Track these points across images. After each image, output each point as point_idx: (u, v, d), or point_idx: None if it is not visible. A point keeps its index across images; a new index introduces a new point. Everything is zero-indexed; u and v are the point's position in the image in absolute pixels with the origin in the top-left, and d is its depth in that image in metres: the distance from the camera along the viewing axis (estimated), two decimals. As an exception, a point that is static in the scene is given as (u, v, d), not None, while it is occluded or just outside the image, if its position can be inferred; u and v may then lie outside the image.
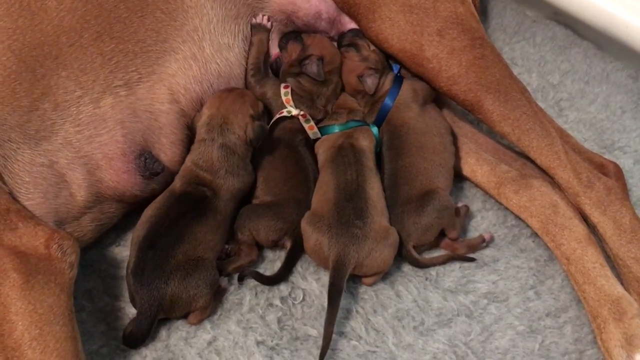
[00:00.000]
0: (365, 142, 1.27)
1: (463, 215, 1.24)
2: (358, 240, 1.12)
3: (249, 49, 1.31)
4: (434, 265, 1.20)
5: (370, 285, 1.17)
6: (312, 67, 1.29)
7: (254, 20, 1.31)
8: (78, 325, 0.99)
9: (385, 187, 1.23)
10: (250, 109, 1.23)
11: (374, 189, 1.20)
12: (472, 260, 1.21)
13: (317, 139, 1.30)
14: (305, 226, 1.16)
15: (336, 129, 1.29)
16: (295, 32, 1.36)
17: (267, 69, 1.35)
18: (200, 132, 1.22)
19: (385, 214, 1.19)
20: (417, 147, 1.24)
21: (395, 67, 1.35)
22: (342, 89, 1.35)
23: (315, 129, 1.29)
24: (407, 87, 1.30)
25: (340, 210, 1.15)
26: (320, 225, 1.14)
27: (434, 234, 1.19)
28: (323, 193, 1.20)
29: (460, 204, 1.26)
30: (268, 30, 1.32)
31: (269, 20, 1.32)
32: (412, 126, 1.26)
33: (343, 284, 1.10)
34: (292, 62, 1.32)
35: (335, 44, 1.37)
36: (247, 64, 1.31)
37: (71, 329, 0.95)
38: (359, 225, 1.13)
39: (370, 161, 1.25)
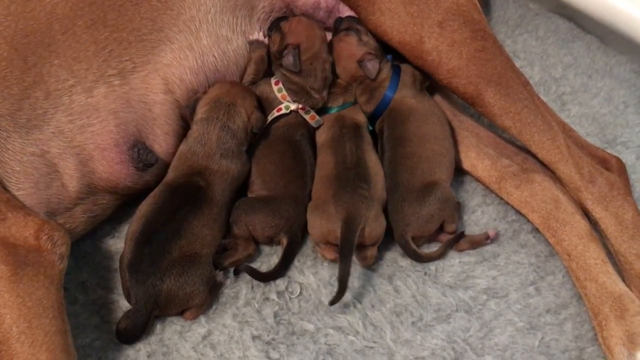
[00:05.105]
0: (361, 117, 1.28)
1: (458, 211, 1.22)
2: (366, 200, 1.12)
3: (248, 65, 1.29)
4: (432, 259, 1.18)
5: (370, 263, 1.15)
6: (288, 59, 1.25)
7: (250, 38, 1.29)
8: (71, 318, 0.98)
9: (384, 175, 1.21)
10: (254, 100, 1.23)
11: (372, 160, 1.21)
12: (461, 236, 1.19)
13: (320, 126, 1.29)
14: (308, 214, 1.15)
15: (334, 111, 1.29)
16: (279, 18, 1.31)
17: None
18: (201, 111, 1.20)
19: (384, 188, 1.18)
20: (419, 135, 1.22)
21: (389, 57, 1.33)
22: (334, 73, 1.31)
23: (317, 117, 1.28)
24: (405, 72, 1.29)
25: (343, 178, 1.15)
26: (323, 201, 1.14)
27: (435, 226, 1.17)
28: (322, 172, 1.20)
29: None
30: (266, 46, 1.30)
31: (265, 36, 1.30)
32: (414, 113, 1.25)
33: (354, 239, 1.08)
34: (274, 54, 1.29)
35: (330, 29, 1.34)
36: (244, 77, 1.29)
37: (61, 322, 0.94)
38: (365, 187, 1.14)
39: (367, 135, 1.26)
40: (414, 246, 1.16)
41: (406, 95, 1.27)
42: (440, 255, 1.18)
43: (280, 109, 1.25)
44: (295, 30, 1.27)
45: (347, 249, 1.07)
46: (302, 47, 1.26)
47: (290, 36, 1.27)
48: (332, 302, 1.07)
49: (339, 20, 1.33)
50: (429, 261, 1.18)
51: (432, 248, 1.21)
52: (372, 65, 1.27)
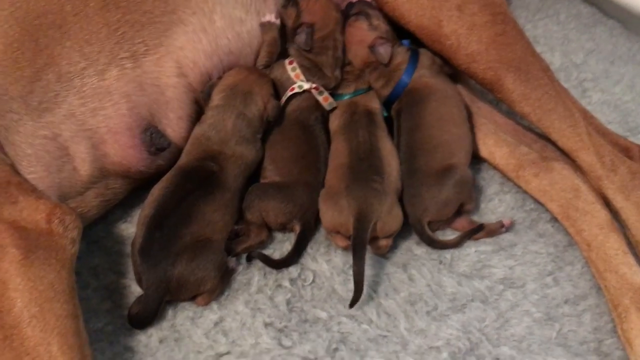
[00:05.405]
0: (376, 104, 1.26)
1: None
2: (379, 194, 1.10)
3: (261, 48, 1.28)
4: (447, 247, 1.16)
5: (384, 252, 1.14)
6: (301, 37, 1.25)
7: (262, 19, 1.27)
8: (83, 302, 0.98)
9: (400, 160, 1.20)
10: (271, 88, 1.22)
11: (386, 148, 1.19)
12: (481, 228, 1.17)
13: (333, 109, 1.27)
14: (320, 202, 1.14)
15: (346, 98, 1.27)
16: None
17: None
18: (217, 97, 1.19)
19: (399, 177, 1.16)
20: (437, 117, 1.20)
21: (406, 42, 1.30)
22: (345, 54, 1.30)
23: (331, 99, 1.26)
24: (425, 56, 1.27)
25: (356, 170, 1.14)
26: (336, 191, 1.12)
27: (453, 209, 1.16)
28: (336, 160, 1.18)
29: None
30: (278, 27, 1.29)
31: (276, 17, 1.29)
32: (433, 92, 1.23)
33: (367, 235, 1.07)
34: (289, 31, 1.29)
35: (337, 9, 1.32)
36: (257, 60, 1.28)
37: (72, 306, 0.93)
38: (378, 181, 1.12)
39: (381, 121, 1.24)
40: (429, 232, 1.15)
41: (424, 75, 1.25)
42: (456, 244, 1.17)
43: (294, 89, 1.24)
44: (312, 9, 1.27)
45: (360, 248, 1.06)
46: (316, 26, 1.25)
47: (306, 14, 1.26)
48: (351, 304, 1.06)
49: (350, 5, 1.31)
50: (444, 248, 1.17)
51: (447, 235, 1.19)
52: (384, 50, 1.25)
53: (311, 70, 1.26)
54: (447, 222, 1.18)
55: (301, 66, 1.25)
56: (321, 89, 1.25)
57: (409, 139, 1.20)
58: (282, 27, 1.31)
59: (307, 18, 1.26)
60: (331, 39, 1.27)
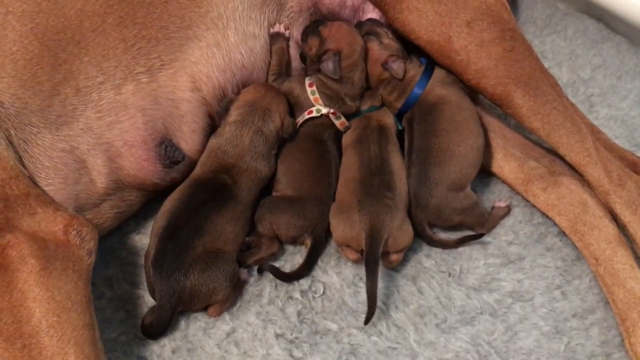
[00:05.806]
0: (389, 119, 1.27)
1: (500, 216, 1.23)
2: (391, 210, 1.12)
3: (270, 57, 1.29)
4: (447, 247, 1.18)
5: (395, 266, 1.15)
6: (328, 65, 1.24)
7: (272, 30, 1.29)
8: (97, 312, 0.99)
9: (411, 162, 1.21)
10: (287, 105, 1.24)
11: (397, 162, 1.20)
12: (481, 236, 1.19)
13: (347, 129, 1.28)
14: (331, 216, 1.15)
15: (360, 115, 1.29)
16: (317, 22, 1.31)
17: (289, 74, 1.32)
18: (235, 113, 1.21)
19: (407, 191, 1.18)
20: (454, 126, 1.21)
21: (422, 61, 1.32)
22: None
23: (347, 123, 1.27)
24: (439, 69, 1.28)
25: (368, 185, 1.15)
26: (347, 205, 1.13)
27: (453, 224, 1.19)
28: (347, 174, 1.20)
29: (502, 203, 1.25)
30: (287, 39, 1.30)
31: (286, 29, 1.30)
32: (447, 102, 1.24)
33: (379, 252, 1.08)
34: (312, 58, 1.29)
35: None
36: (268, 70, 1.29)
37: (89, 316, 0.95)
38: (389, 197, 1.13)
39: (393, 136, 1.25)
40: (430, 232, 1.18)
41: (437, 87, 1.26)
42: (455, 245, 1.19)
43: (312, 112, 1.25)
44: (336, 36, 1.26)
45: (372, 265, 1.07)
46: (342, 53, 1.25)
47: (331, 42, 1.26)
48: (366, 321, 1.06)
49: (359, 24, 1.32)
50: (442, 247, 1.19)
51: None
52: (397, 66, 1.26)
53: (332, 99, 1.26)
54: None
55: (322, 93, 1.26)
56: (338, 114, 1.26)
57: (423, 144, 1.21)
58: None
59: (332, 45, 1.25)
60: (359, 67, 1.27)
